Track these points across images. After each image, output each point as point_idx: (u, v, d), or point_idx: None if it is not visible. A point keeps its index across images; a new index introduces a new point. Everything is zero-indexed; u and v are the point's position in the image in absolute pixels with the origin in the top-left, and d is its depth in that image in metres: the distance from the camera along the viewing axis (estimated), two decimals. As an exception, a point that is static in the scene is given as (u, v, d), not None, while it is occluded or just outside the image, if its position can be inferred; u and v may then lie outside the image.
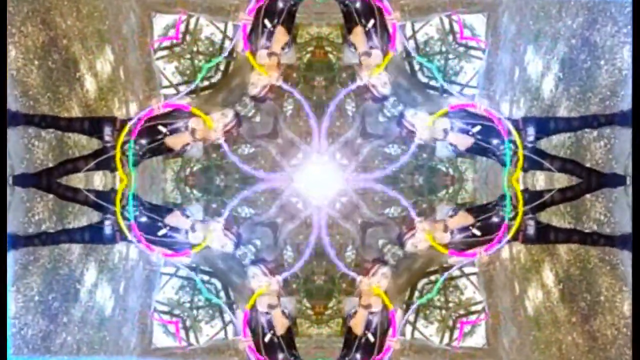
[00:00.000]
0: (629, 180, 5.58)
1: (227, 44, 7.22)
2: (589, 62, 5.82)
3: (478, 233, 6.11)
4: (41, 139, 5.90)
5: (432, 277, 7.84)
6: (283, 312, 6.37)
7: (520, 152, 5.90)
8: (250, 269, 6.59)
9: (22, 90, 5.63)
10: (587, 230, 5.95)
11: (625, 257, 5.63)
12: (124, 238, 5.99)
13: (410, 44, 7.29)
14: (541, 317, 6.58)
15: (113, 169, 6.02)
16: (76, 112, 6.27)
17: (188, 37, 7.25)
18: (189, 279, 7.37)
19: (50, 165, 5.94)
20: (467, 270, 7.77)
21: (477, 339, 7.33)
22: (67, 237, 5.98)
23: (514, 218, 6.03)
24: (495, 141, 6.01)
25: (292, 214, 7.26)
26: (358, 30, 6.27)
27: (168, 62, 7.29)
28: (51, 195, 5.97)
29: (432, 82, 7.10)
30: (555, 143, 6.35)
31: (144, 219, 6.06)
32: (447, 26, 7.28)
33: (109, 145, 5.91)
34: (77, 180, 6.10)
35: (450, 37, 7.28)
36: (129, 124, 5.91)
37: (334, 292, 7.18)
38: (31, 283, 5.66)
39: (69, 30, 6.07)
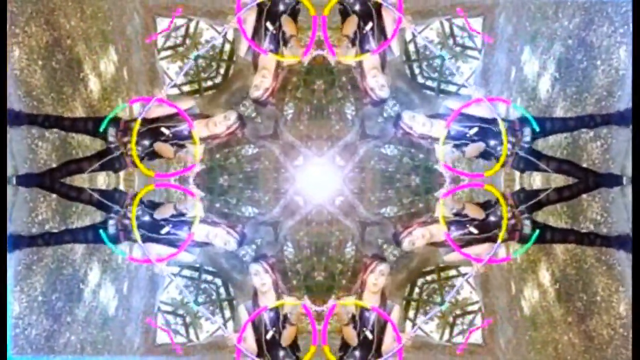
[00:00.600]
0: (625, 180, 5.60)
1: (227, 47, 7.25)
2: (585, 63, 5.85)
3: (475, 231, 6.13)
4: (45, 140, 5.91)
5: (429, 277, 7.86)
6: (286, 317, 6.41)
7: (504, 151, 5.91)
8: (252, 267, 6.59)
9: (26, 91, 5.64)
10: (583, 231, 5.97)
11: (621, 258, 5.66)
12: (128, 238, 6.00)
13: (410, 48, 7.31)
14: (537, 317, 6.60)
15: (117, 170, 6.06)
16: (80, 112, 6.28)
17: (188, 41, 7.26)
18: (193, 279, 7.37)
19: (54, 165, 5.93)
20: (463, 270, 7.79)
21: (475, 337, 7.34)
22: (70, 236, 5.97)
23: (510, 218, 6.04)
24: (492, 142, 6.03)
25: (293, 211, 7.25)
26: (351, 18, 6.32)
27: (172, 62, 7.29)
28: (54, 195, 5.97)
29: (429, 83, 7.11)
30: (552, 143, 6.38)
31: (146, 218, 6.06)
32: (447, 30, 7.29)
33: (112, 146, 5.91)
34: (80, 180, 6.10)
35: (451, 41, 7.29)
36: (139, 119, 5.93)
37: (333, 288, 7.16)
38: (35, 283, 5.67)
39: (72, 30, 6.08)
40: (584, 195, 6.03)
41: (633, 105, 5.31)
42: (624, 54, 5.48)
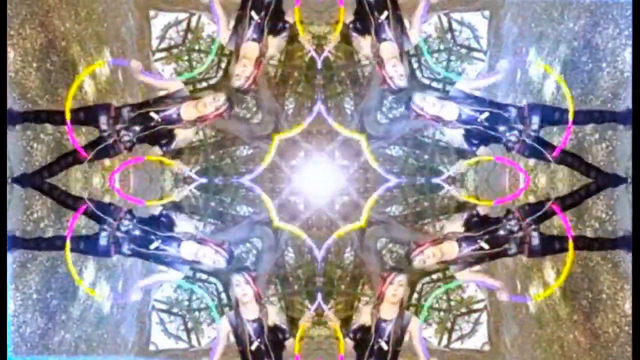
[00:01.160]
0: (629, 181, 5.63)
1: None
2: (590, 65, 5.86)
3: (486, 246, 6.14)
4: (40, 141, 5.93)
5: (434, 276, 7.88)
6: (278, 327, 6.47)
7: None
8: (234, 277, 6.60)
9: (21, 92, 5.66)
10: (591, 236, 5.99)
11: (627, 256, 5.68)
12: (119, 251, 6.03)
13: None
14: (543, 315, 6.59)
15: (112, 156, 6.09)
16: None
17: (190, 36, 7.24)
18: (188, 277, 7.37)
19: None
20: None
21: (480, 338, 7.37)
22: (62, 243, 5.97)
23: (518, 231, 6.08)
24: (502, 128, 6.04)
25: (294, 215, 7.27)
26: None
27: (166, 64, 7.27)
28: None
29: (434, 84, 7.10)
30: (557, 143, 6.30)
31: (137, 232, 6.08)
32: (445, 24, 7.29)
33: (105, 133, 5.94)
34: (74, 180, 6.15)
35: (449, 36, 7.29)
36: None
37: (332, 293, 7.18)
38: (29, 281, 5.71)
39: (67, 32, 6.09)
40: (589, 193, 6.05)
41: (633, 106, 5.35)
42: (629, 56, 5.50)
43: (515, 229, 6.08)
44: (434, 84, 6.98)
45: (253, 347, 6.32)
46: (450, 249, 6.22)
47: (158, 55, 7.19)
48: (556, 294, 6.43)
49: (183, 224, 6.56)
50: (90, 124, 5.99)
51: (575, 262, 6.24)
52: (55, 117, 5.90)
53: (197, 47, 7.20)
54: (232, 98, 6.47)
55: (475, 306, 7.64)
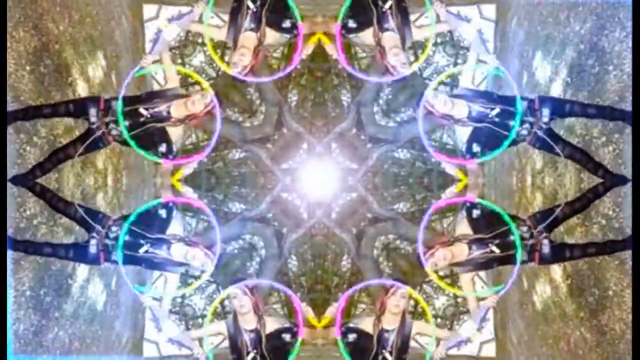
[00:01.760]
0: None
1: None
2: (597, 68, 5.82)
3: (497, 251, 6.14)
4: (32, 144, 5.94)
5: (441, 273, 7.93)
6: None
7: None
8: (230, 290, 6.64)
9: (14, 96, 5.66)
10: (601, 241, 5.98)
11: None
12: (108, 259, 6.05)
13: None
14: (549, 312, 6.62)
15: (101, 148, 6.13)
16: None
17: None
18: (181, 274, 7.39)
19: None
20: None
21: (486, 334, 7.44)
22: (51, 250, 5.97)
23: (529, 238, 6.09)
24: (512, 123, 6.00)
25: (297, 223, 7.32)
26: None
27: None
28: None
29: (440, 87, 7.11)
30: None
31: (126, 237, 6.08)
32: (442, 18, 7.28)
33: (94, 126, 5.95)
34: (70, 181, 6.23)
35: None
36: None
37: (330, 301, 7.24)
38: (23, 278, 5.72)
39: (61, 35, 6.11)
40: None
41: (633, 107, 5.36)
42: (636, 59, 5.50)
43: (527, 235, 6.11)
44: (441, 87, 7.02)
45: (249, 358, 6.38)
46: (461, 251, 6.20)
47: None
48: (563, 290, 6.48)
49: (174, 223, 6.57)
50: (80, 116, 6.01)
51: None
52: (43, 110, 5.89)
53: (200, 41, 7.21)
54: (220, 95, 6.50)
55: (482, 303, 7.72)
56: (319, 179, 7.20)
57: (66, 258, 6.07)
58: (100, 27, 6.52)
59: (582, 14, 5.92)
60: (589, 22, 5.85)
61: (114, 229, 6.06)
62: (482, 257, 6.19)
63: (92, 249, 5.99)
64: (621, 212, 5.84)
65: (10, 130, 5.65)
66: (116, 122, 5.94)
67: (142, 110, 6.00)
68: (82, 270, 6.47)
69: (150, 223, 6.25)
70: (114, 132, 5.98)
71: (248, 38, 6.37)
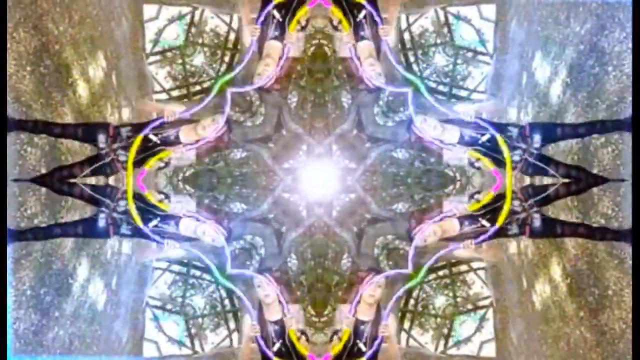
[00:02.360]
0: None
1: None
2: (596, 68, 5.80)
3: (487, 224, 6.18)
4: (34, 145, 5.94)
5: (440, 272, 7.96)
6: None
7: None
8: (256, 279, 6.71)
9: (15, 96, 5.65)
10: (594, 225, 5.99)
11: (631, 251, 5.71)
12: (117, 232, 6.06)
13: (405, 36, 7.32)
14: (549, 311, 6.65)
15: (108, 175, 6.15)
16: (69, 117, 6.33)
17: (193, 29, 7.24)
18: (181, 274, 7.42)
19: (43, 171, 5.97)
20: (475, 265, 7.87)
21: (486, 334, 7.46)
22: (60, 230, 6.03)
23: (520, 212, 6.12)
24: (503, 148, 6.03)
25: (297, 222, 7.33)
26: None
27: (160, 67, 7.29)
28: (44, 190, 6.01)
29: (440, 88, 7.14)
30: (563, 148, 6.38)
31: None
32: (442, 19, 7.31)
33: (103, 152, 5.98)
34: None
35: (446, 30, 7.31)
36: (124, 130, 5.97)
37: (329, 299, 7.27)
38: (23, 277, 5.70)
39: (61, 36, 6.11)
40: (595, 190, 6.01)
41: (633, 107, 5.36)
42: (636, 60, 5.49)
43: (518, 209, 6.12)
44: (440, 88, 7.05)
45: (275, 349, 6.43)
46: (451, 227, 6.27)
47: (152, 58, 7.22)
48: (562, 289, 6.49)
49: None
50: (88, 142, 6.05)
51: (581, 258, 6.28)
52: (52, 129, 5.91)
53: (200, 41, 7.22)
54: (231, 120, 6.51)
55: (481, 303, 7.75)
56: (318, 179, 7.19)
57: (76, 235, 6.11)
58: (100, 28, 6.53)
59: (582, 15, 5.92)
60: (589, 23, 5.84)
61: (122, 202, 6.08)
62: (474, 230, 6.23)
63: (101, 223, 6.01)
64: (620, 212, 5.82)
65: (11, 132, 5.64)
66: (125, 148, 5.98)
67: (151, 136, 6.04)
68: (83, 269, 6.48)
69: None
70: (122, 158, 6.01)
71: (273, 47, 6.40)
